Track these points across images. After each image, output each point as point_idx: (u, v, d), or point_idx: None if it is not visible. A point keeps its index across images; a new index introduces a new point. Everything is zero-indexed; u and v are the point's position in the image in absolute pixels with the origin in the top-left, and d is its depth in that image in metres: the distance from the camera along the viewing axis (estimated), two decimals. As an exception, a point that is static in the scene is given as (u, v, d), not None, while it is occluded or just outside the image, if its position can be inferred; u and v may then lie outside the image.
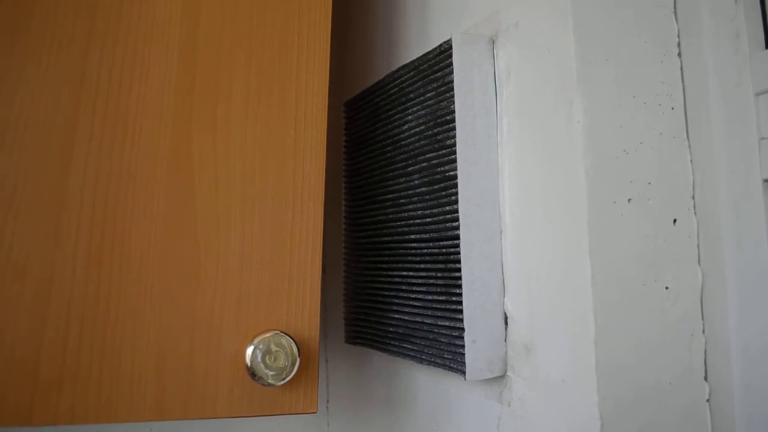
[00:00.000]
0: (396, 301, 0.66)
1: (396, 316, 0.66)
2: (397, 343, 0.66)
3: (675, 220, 0.50)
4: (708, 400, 0.49)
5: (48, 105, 0.50)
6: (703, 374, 0.49)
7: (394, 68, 0.69)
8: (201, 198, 0.53)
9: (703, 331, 0.50)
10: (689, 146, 0.51)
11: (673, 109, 0.51)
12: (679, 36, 0.52)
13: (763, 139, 0.46)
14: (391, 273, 0.67)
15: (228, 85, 0.55)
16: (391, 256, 0.68)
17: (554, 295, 0.49)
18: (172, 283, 0.51)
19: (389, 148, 0.68)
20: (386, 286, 0.68)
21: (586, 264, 0.46)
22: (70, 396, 0.48)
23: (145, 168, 0.52)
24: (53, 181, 0.49)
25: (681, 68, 0.52)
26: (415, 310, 0.62)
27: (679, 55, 0.52)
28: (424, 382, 0.67)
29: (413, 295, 0.62)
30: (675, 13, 0.52)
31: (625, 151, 0.49)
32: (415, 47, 0.71)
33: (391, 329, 0.67)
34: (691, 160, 0.51)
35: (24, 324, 0.47)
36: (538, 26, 0.52)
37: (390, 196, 0.67)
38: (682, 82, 0.52)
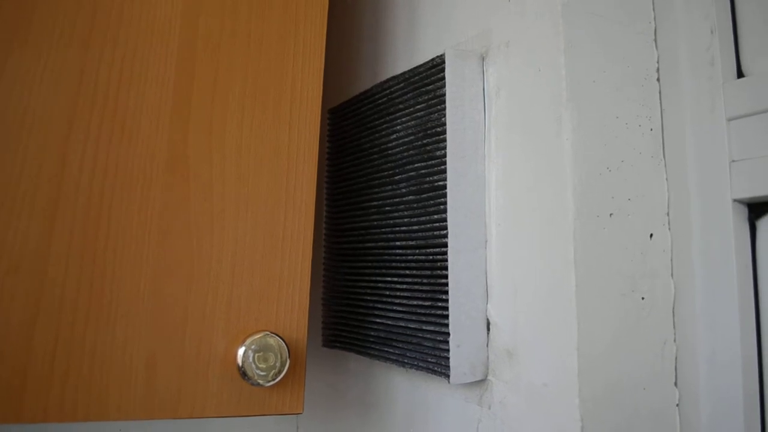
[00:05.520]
0: (378, 306, 0.67)
1: (378, 320, 0.67)
2: (378, 347, 0.67)
3: (651, 235, 0.53)
4: (678, 405, 0.52)
5: (46, 101, 0.50)
6: (674, 380, 0.52)
7: (382, 79, 0.71)
8: (195, 199, 0.54)
9: (675, 340, 0.53)
10: (665, 166, 0.54)
11: (651, 130, 0.54)
12: (658, 62, 0.56)
13: (733, 161, 0.50)
14: (374, 279, 0.69)
15: (225, 88, 0.56)
16: (374, 262, 0.69)
17: (538, 303, 0.52)
18: (165, 282, 0.52)
19: (376, 156, 0.70)
20: (368, 291, 0.70)
21: (571, 274, 0.49)
22: (60, 394, 0.47)
23: (141, 167, 0.52)
24: (48, 177, 0.49)
25: (660, 93, 0.55)
26: (399, 315, 0.63)
27: (658, 80, 0.55)
28: (402, 385, 0.69)
29: (397, 300, 0.64)
30: (655, 41, 0.56)
31: (608, 168, 0.51)
32: (402, 60, 0.73)
33: (372, 333, 0.68)
34: (666, 179, 0.54)
35: (15, 320, 0.47)
36: (529, 46, 0.54)
37: (375, 203, 0.69)
38: (660, 105, 0.55)
